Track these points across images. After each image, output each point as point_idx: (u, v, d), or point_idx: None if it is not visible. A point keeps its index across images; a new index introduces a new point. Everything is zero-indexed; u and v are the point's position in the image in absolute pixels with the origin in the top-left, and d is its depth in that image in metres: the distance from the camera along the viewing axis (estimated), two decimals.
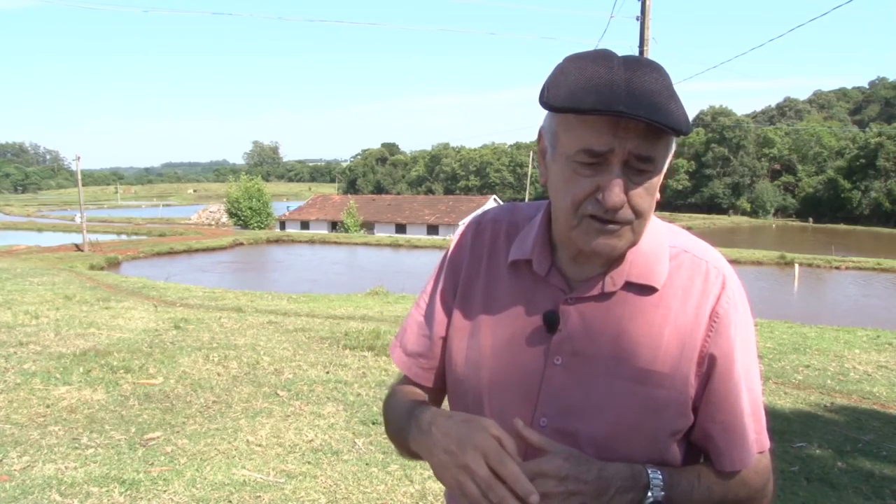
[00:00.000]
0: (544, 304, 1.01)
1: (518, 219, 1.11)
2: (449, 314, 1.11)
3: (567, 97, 0.87)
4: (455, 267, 1.12)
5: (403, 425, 1.03)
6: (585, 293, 0.99)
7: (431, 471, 0.93)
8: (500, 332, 1.04)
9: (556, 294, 1.01)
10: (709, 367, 0.97)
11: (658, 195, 0.97)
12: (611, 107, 0.85)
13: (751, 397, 1.00)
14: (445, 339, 1.12)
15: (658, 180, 0.94)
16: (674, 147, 0.95)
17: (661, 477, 0.94)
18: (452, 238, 1.18)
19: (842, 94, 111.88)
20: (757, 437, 1.01)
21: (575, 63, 0.91)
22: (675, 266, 1.00)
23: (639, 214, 0.92)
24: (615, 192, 0.89)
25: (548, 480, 0.89)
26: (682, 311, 0.98)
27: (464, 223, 1.27)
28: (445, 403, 1.17)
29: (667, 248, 1.01)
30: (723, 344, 0.97)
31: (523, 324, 1.02)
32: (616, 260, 0.99)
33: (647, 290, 0.99)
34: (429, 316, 1.15)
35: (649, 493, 0.93)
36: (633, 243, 0.96)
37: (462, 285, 1.10)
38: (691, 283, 0.99)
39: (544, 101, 0.90)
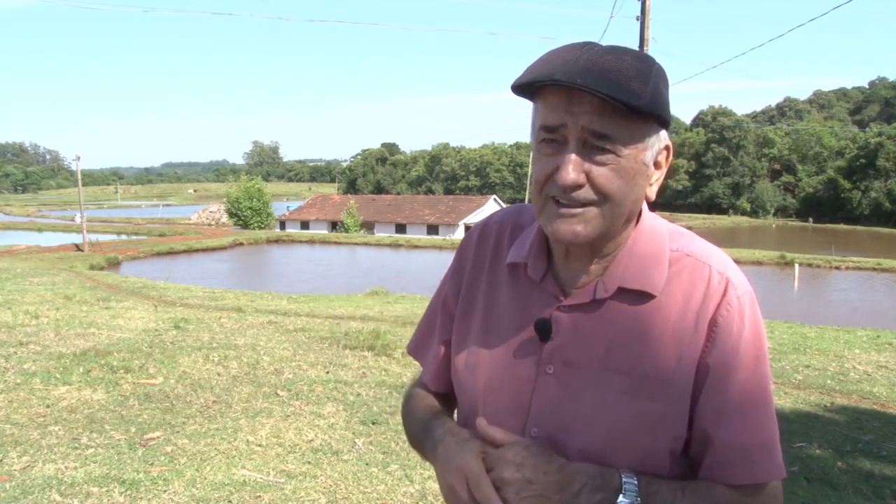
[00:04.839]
0: (538, 311, 0.98)
1: (524, 220, 1.07)
2: (452, 318, 1.10)
3: (522, 76, 0.88)
4: (460, 270, 1.11)
5: (421, 437, 1.08)
6: (578, 300, 0.95)
7: (432, 471, 0.95)
8: (495, 338, 1.02)
9: (549, 300, 0.98)
10: (702, 376, 0.91)
11: (649, 193, 0.94)
12: (550, 76, 0.84)
13: (757, 413, 0.93)
14: (449, 343, 1.11)
15: (631, 165, 0.88)
16: (657, 135, 0.91)
17: (635, 482, 0.89)
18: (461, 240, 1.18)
19: (842, 94, 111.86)
20: (766, 457, 0.93)
21: (552, 49, 0.90)
22: (675, 271, 0.94)
23: (607, 197, 0.88)
24: (567, 169, 0.86)
25: (506, 466, 0.88)
26: (682, 319, 0.92)
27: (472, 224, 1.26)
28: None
29: (667, 251, 0.95)
30: (719, 353, 0.91)
31: (517, 330, 0.99)
32: (608, 264, 0.95)
33: (643, 296, 0.93)
34: (434, 319, 1.15)
35: (621, 497, 0.88)
36: (605, 231, 0.91)
37: (465, 288, 1.09)
38: (692, 290, 0.93)
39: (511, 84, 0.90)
